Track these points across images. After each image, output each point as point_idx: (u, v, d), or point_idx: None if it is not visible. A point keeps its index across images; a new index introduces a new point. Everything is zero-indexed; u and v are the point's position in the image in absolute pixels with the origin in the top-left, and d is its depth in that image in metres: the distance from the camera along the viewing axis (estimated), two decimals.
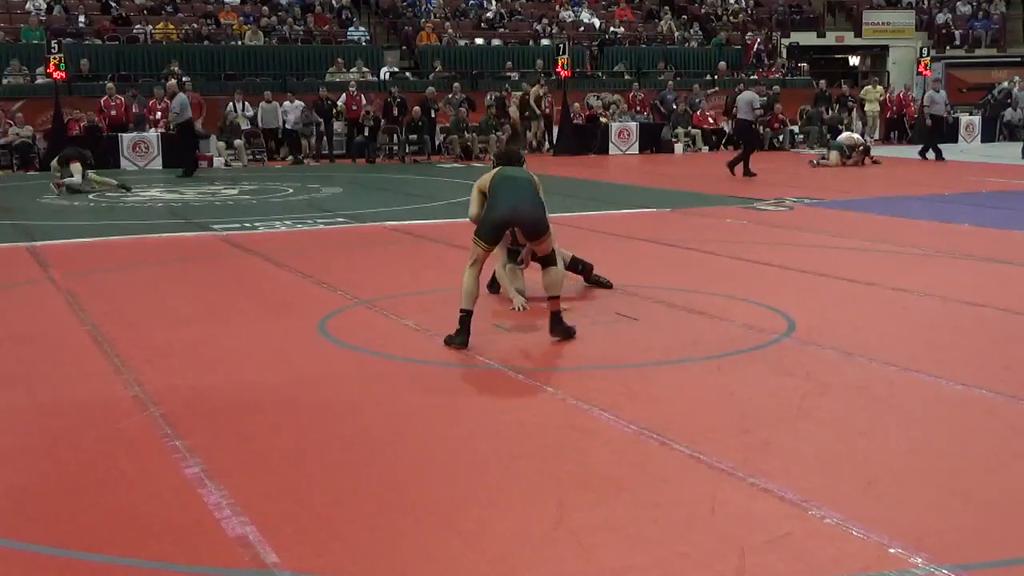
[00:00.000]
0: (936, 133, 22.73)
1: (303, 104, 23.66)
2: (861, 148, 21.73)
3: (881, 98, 28.89)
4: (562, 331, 6.84)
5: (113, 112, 22.70)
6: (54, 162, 17.69)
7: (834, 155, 21.34)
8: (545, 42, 29.88)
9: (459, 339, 6.66)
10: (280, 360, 6.51)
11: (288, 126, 23.91)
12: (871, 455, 4.71)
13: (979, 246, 10.66)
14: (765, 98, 23.86)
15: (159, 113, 22.78)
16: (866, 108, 28.83)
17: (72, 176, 17.04)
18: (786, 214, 13.62)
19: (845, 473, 4.48)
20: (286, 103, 23.88)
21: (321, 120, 23.86)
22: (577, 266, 8.44)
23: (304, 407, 5.56)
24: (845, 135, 22.80)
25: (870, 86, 29.69)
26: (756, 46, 32.68)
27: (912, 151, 25.45)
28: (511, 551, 3.75)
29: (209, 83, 24.82)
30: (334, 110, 24.06)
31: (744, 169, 18.94)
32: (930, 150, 22.29)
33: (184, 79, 24.17)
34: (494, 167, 7.16)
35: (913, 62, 32.79)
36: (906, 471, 4.53)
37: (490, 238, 6.83)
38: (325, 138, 24.14)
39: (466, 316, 6.67)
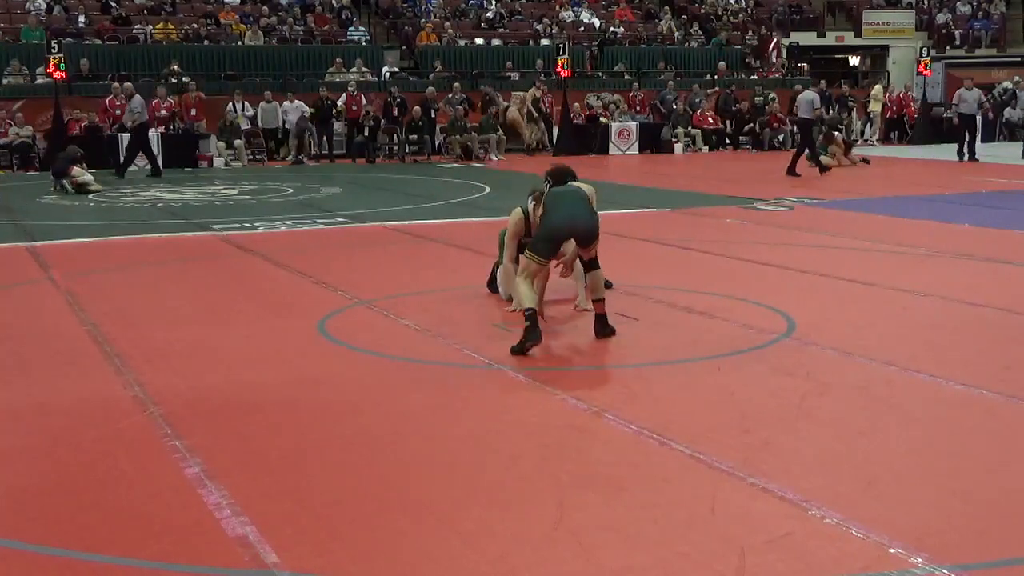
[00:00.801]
0: (963, 132, 22.59)
1: (303, 105, 23.68)
2: (843, 144, 21.84)
3: (882, 99, 28.91)
4: (607, 332, 6.88)
5: (118, 112, 22.71)
6: (52, 176, 17.75)
7: (826, 158, 21.39)
8: (545, 42, 29.88)
9: (532, 337, 6.43)
10: (280, 360, 6.51)
11: (288, 126, 23.95)
12: (871, 455, 4.71)
13: (979, 246, 10.65)
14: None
15: (163, 112, 22.87)
16: (871, 107, 28.84)
17: (79, 177, 17.16)
18: (786, 214, 13.62)
19: (845, 473, 4.48)
20: (286, 103, 23.91)
21: (312, 129, 23.85)
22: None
23: (304, 407, 5.56)
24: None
25: (879, 85, 29.67)
26: (773, 46, 32.77)
27: (912, 151, 25.48)
28: (511, 551, 3.75)
29: (209, 83, 24.82)
30: (334, 110, 24.07)
31: (790, 167, 19.09)
32: (966, 151, 22.13)
33: (185, 79, 24.25)
34: (547, 185, 7.12)
35: (913, 62, 32.78)
36: (906, 471, 4.53)
37: (546, 252, 6.78)
38: (325, 138, 24.15)
39: (532, 314, 6.51)
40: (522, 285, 6.71)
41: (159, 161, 20.92)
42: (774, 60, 32.36)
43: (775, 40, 33.16)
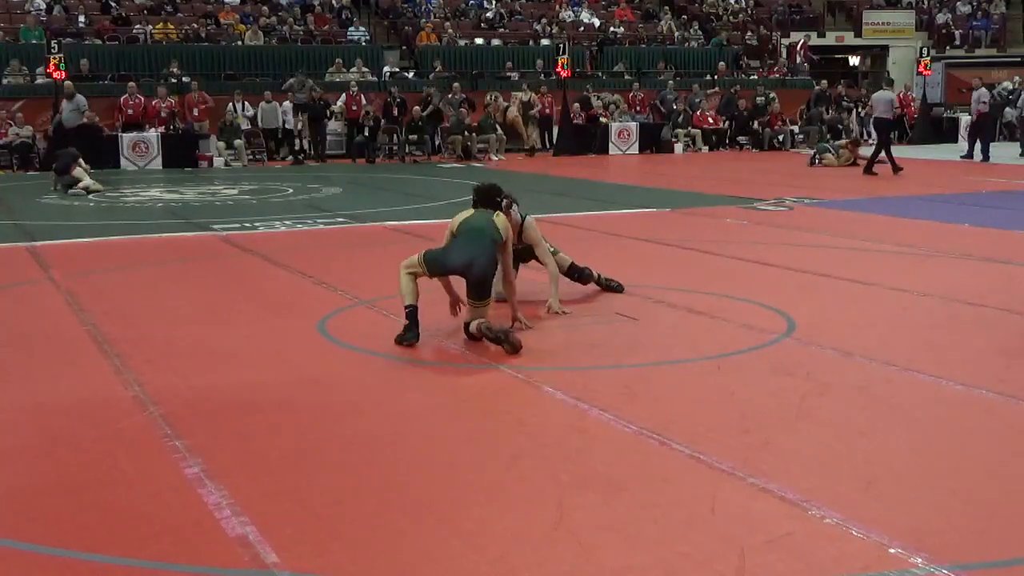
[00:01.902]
0: (972, 132, 22.70)
1: (292, 104, 23.70)
2: (849, 143, 21.91)
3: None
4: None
5: (130, 111, 22.74)
6: (54, 174, 17.71)
7: (829, 156, 21.41)
8: (545, 42, 29.89)
9: (410, 335, 6.69)
10: (280, 360, 6.51)
11: (288, 126, 23.95)
12: (871, 455, 4.71)
13: (979, 246, 10.65)
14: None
15: (163, 112, 22.89)
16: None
17: (81, 180, 17.11)
18: (786, 214, 13.62)
19: (845, 473, 4.48)
20: (286, 103, 23.92)
21: (307, 109, 23.79)
22: (574, 273, 8.31)
23: (304, 407, 5.56)
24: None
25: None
26: (801, 48, 32.78)
27: (912, 151, 25.43)
28: (511, 551, 3.75)
29: (209, 83, 24.84)
30: (328, 110, 24.03)
31: (892, 166, 19.29)
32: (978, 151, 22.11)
33: (186, 79, 24.26)
34: (473, 205, 7.19)
35: (913, 62, 32.79)
36: (906, 471, 4.53)
37: (434, 272, 6.89)
38: (318, 138, 24.10)
39: (412, 311, 6.75)
40: (403, 280, 6.81)
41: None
42: (800, 60, 32.37)
43: (802, 41, 33.20)
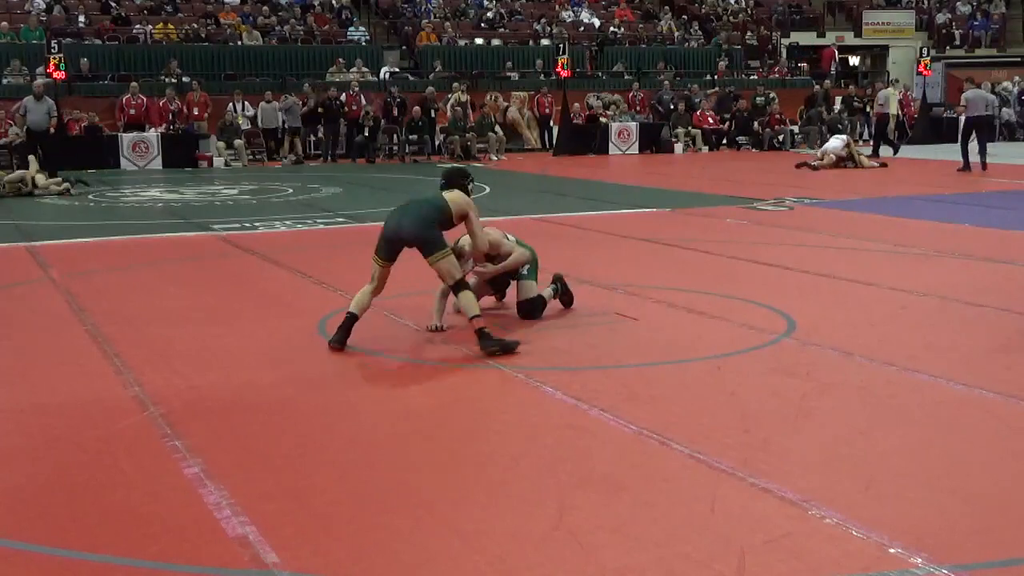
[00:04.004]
0: (876, 133, 23.11)
1: (294, 100, 23.65)
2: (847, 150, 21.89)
3: (900, 98, 28.71)
4: (489, 348, 6.49)
5: (132, 111, 22.73)
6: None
7: (829, 158, 21.35)
8: (545, 42, 29.89)
9: (336, 337, 6.67)
10: (280, 360, 6.51)
11: (288, 125, 23.94)
12: (871, 455, 4.71)
13: (979, 246, 10.65)
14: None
15: (170, 114, 22.91)
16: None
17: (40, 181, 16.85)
18: (786, 214, 13.62)
19: (845, 473, 4.48)
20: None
21: (298, 124, 23.85)
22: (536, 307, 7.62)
23: (304, 407, 5.56)
24: (836, 140, 22.53)
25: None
26: (831, 57, 32.85)
27: (912, 151, 25.43)
28: (511, 551, 3.75)
29: (209, 83, 24.85)
30: (343, 108, 23.95)
31: (982, 161, 19.66)
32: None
33: (186, 79, 24.25)
34: (440, 188, 7.33)
35: (913, 62, 32.80)
36: (906, 471, 4.53)
37: (383, 254, 6.92)
38: (332, 138, 24.07)
39: (350, 318, 6.73)
40: (363, 289, 6.87)
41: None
42: (833, 71, 32.48)
43: (832, 48, 33.23)
